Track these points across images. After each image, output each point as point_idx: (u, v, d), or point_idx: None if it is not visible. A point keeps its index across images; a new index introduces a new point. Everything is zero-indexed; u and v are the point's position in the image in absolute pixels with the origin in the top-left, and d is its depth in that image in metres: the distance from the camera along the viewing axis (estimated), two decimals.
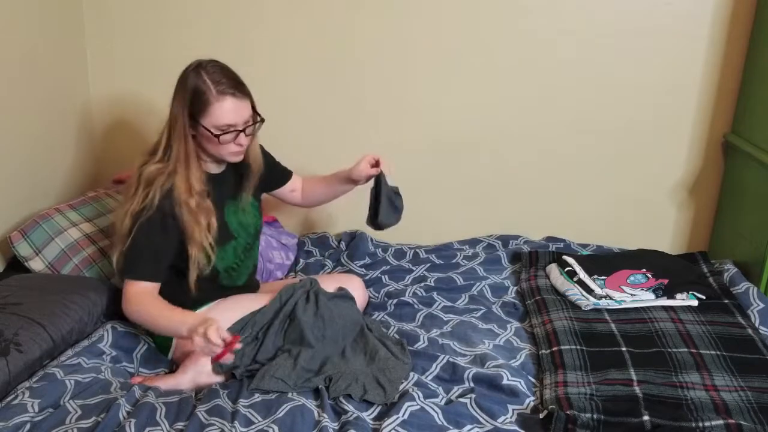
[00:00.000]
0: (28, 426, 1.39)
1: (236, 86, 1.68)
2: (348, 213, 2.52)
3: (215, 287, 1.82)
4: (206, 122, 1.66)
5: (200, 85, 1.65)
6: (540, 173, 2.49)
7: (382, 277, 2.24)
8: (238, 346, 1.52)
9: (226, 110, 1.66)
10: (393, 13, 2.35)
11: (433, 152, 2.49)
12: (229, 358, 1.54)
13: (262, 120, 1.75)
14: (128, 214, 1.67)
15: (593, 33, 2.33)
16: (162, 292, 1.72)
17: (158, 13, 2.39)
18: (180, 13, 2.39)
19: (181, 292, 1.74)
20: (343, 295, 1.87)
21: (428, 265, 2.30)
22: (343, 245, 2.43)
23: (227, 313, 1.78)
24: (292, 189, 2.10)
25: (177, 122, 1.67)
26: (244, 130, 1.70)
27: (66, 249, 1.95)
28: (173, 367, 1.79)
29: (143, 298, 1.66)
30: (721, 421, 1.44)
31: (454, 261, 2.33)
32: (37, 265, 1.92)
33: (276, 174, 2.04)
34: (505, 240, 2.47)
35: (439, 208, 2.55)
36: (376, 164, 1.98)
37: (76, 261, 1.95)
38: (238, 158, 1.77)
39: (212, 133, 1.67)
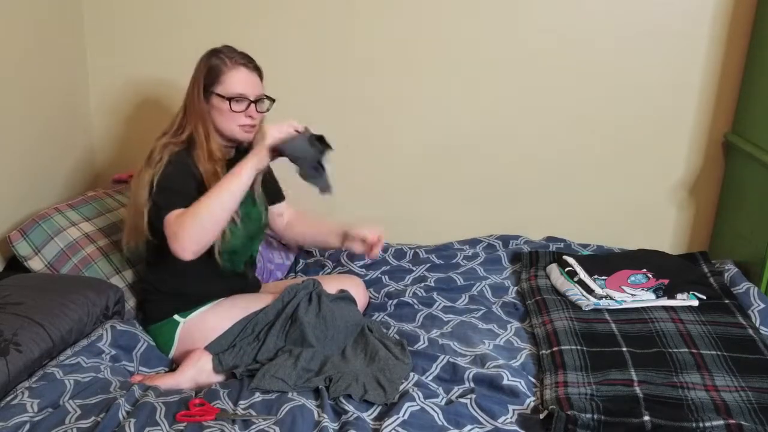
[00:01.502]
0: (27, 426, 1.38)
1: (250, 60, 1.79)
2: (348, 213, 2.52)
3: (214, 273, 1.81)
4: (219, 90, 1.74)
5: (215, 59, 1.76)
6: (540, 173, 2.49)
7: (382, 277, 2.23)
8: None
9: (238, 79, 1.75)
10: (392, 13, 2.35)
11: (433, 152, 2.48)
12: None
13: (273, 100, 1.83)
14: (144, 185, 1.68)
15: (593, 33, 2.33)
16: (167, 284, 1.76)
17: (158, 12, 2.39)
18: (180, 12, 2.39)
19: (186, 283, 1.77)
20: (344, 296, 1.87)
21: (428, 265, 2.30)
22: None
23: (229, 311, 1.78)
24: (279, 213, 2.11)
25: (193, 98, 1.75)
26: (255, 103, 1.77)
27: (65, 248, 1.94)
28: (173, 366, 1.79)
29: (183, 215, 1.60)
30: (721, 422, 1.43)
31: (454, 261, 2.33)
32: (36, 264, 1.92)
33: (271, 188, 2.04)
34: (505, 240, 2.47)
35: (439, 208, 2.54)
36: (368, 247, 1.98)
37: (75, 260, 1.94)
38: (248, 136, 1.81)
39: (224, 98, 1.73)
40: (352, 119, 2.47)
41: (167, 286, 1.82)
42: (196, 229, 1.59)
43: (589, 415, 1.45)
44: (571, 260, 2.15)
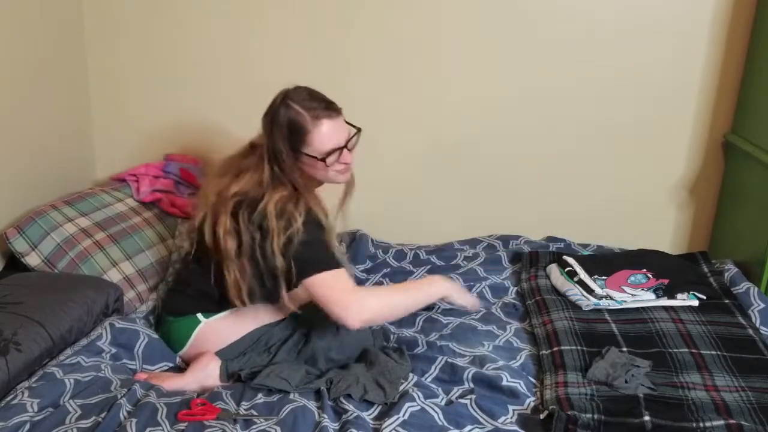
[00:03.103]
0: (27, 426, 1.38)
1: (328, 106, 1.68)
2: (349, 212, 2.51)
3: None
4: (310, 150, 1.66)
5: (293, 115, 1.64)
6: (540, 173, 2.49)
7: (384, 280, 2.23)
8: None
9: (326, 134, 1.66)
10: (392, 12, 2.35)
11: (433, 152, 2.48)
12: None
13: (359, 130, 1.76)
14: (278, 252, 1.59)
15: (593, 33, 2.33)
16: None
17: (158, 13, 2.39)
18: (180, 13, 2.38)
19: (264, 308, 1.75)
20: None
21: (429, 266, 2.29)
22: (343, 246, 2.42)
23: (246, 319, 1.76)
24: None
25: (282, 158, 1.65)
26: (347, 146, 1.71)
27: (62, 243, 1.94)
28: (177, 362, 1.79)
29: (364, 290, 1.68)
30: (721, 422, 1.43)
31: (454, 262, 2.32)
32: (33, 260, 1.92)
33: None
34: (505, 240, 2.47)
35: (439, 208, 2.54)
36: None
37: (72, 255, 1.94)
38: (347, 176, 1.78)
39: (316, 158, 1.66)
40: (351, 119, 2.46)
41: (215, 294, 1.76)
42: (382, 315, 1.71)
43: (589, 415, 1.46)
44: (571, 260, 2.15)
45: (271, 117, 1.67)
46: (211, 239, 1.67)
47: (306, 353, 1.72)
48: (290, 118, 1.65)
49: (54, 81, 2.25)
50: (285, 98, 1.67)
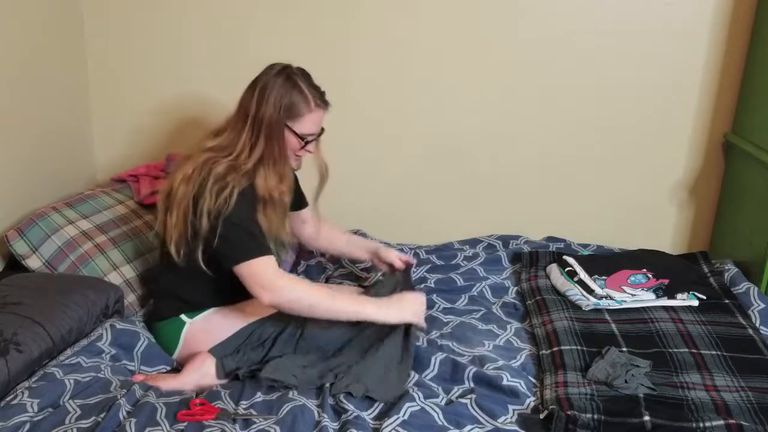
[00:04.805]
0: (27, 426, 1.38)
1: (323, 97, 1.78)
2: (349, 213, 2.52)
3: (240, 290, 1.72)
4: (295, 127, 1.74)
5: (297, 94, 1.73)
6: (540, 173, 2.49)
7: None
8: None
9: (315, 121, 1.77)
10: (392, 13, 2.35)
11: (434, 152, 2.48)
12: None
13: (323, 130, 1.85)
14: (205, 214, 1.63)
15: (593, 33, 2.33)
16: (187, 294, 1.73)
17: (157, 13, 2.39)
18: (179, 13, 2.38)
19: (208, 297, 1.75)
20: None
21: (429, 266, 2.29)
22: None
23: (235, 315, 1.76)
24: (303, 220, 2.09)
25: (272, 124, 1.70)
26: (318, 137, 1.82)
27: (63, 246, 1.94)
28: (174, 365, 1.78)
29: (289, 279, 1.67)
30: (721, 422, 1.43)
31: (454, 262, 2.33)
32: (34, 263, 1.91)
33: (296, 194, 2.00)
34: (505, 240, 2.47)
35: (439, 208, 2.54)
36: (405, 265, 2.06)
37: (73, 258, 1.94)
38: (299, 163, 1.86)
39: (298, 136, 1.74)
40: (352, 119, 2.47)
41: (186, 295, 1.78)
42: (302, 308, 1.66)
43: (589, 415, 1.46)
44: (571, 260, 2.15)
45: (266, 86, 1.72)
46: (169, 188, 1.71)
47: (304, 344, 1.70)
48: (294, 94, 1.72)
49: (54, 80, 2.25)
50: (289, 75, 1.74)
